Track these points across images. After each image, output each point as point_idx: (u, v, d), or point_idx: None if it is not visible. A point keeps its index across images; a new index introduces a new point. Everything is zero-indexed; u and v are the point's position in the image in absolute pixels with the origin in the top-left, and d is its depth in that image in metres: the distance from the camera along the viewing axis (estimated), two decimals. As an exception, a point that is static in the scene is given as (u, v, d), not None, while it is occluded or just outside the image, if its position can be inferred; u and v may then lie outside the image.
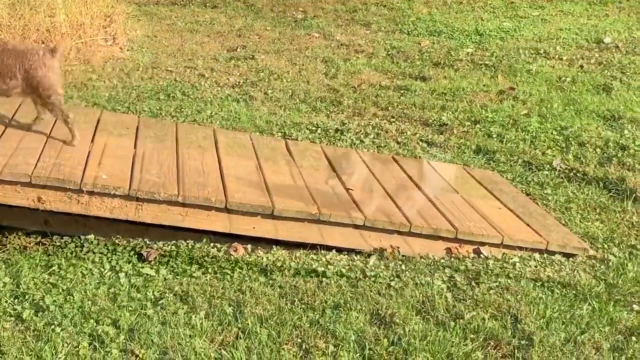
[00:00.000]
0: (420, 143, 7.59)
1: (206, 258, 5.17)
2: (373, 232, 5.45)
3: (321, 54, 10.40)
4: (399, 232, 5.47)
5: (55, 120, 5.98)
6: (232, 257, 5.22)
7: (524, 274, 5.22)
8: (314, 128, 7.78)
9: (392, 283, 4.98)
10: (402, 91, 8.94)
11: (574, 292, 5.00)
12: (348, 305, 4.65)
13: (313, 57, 10.28)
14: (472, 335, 4.39)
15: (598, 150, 7.34)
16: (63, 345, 4.06)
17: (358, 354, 4.17)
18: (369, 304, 4.68)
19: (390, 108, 8.43)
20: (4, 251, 5.12)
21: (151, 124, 6.68)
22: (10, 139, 5.58)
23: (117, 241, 5.29)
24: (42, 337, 4.12)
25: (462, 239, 5.53)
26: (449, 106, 8.43)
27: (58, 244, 5.23)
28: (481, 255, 5.51)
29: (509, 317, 4.64)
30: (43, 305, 4.45)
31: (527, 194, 6.58)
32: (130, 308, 4.49)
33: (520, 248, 5.57)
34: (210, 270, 5.03)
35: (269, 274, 5.03)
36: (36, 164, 5.17)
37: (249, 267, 5.10)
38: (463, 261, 5.39)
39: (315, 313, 4.57)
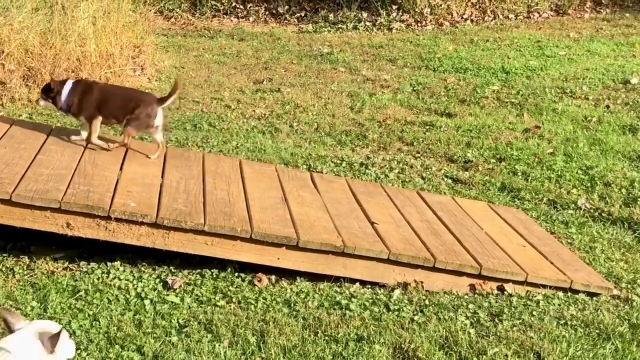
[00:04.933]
0: (446, 179, 7.61)
1: (231, 288, 5.20)
2: (397, 266, 5.45)
3: (347, 89, 10.46)
4: (423, 267, 5.47)
5: (85, 148, 6.09)
6: (256, 287, 5.25)
7: (547, 312, 5.21)
8: (339, 162, 7.82)
9: (416, 318, 4.99)
10: (427, 127, 8.97)
11: (597, 331, 4.98)
12: (371, 338, 4.67)
13: (339, 91, 10.35)
14: (495, 372, 4.39)
15: (624, 190, 7.33)
16: (88, 370, 4.09)
17: (381, 388, 4.18)
18: (392, 338, 4.68)
19: (415, 144, 8.46)
20: (32, 275, 5.17)
21: (178, 154, 6.75)
22: (41, 166, 5.66)
23: (143, 269, 5.34)
24: (68, 361, 4.16)
25: (486, 276, 5.53)
26: (475, 143, 8.45)
27: (85, 269, 5.29)
28: (505, 293, 5.50)
29: (532, 354, 4.64)
30: (70, 330, 4.49)
31: (552, 233, 6.58)
32: (155, 335, 4.53)
33: (545, 286, 5.56)
34: (234, 299, 5.06)
35: (292, 305, 5.05)
36: (66, 191, 5.23)
37: (273, 298, 5.12)
38: (487, 298, 5.39)
39: (339, 345, 4.58)
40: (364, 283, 5.43)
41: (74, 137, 6.28)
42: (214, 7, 15.36)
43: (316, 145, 8.30)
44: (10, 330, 3.42)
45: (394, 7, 14.61)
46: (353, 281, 5.42)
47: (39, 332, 3.39)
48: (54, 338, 3.36)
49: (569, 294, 5.55)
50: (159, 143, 6.34)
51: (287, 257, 5.36)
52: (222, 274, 5.35)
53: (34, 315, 4.63)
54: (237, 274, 5.37)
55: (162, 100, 6.22)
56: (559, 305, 5.37)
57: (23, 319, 3.49)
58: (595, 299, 5.52)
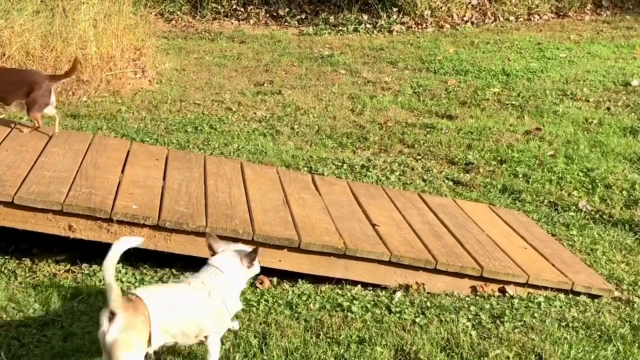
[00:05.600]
0: (446, 181, 7.62)
1: (232, 289, 5.20)
2: (399, 268, 5.46)
3: (347, 91, 10.47)
4: (425, 269, 5.48)
5: (87, 151, 6.10)
6: (258, 289, 5.26)
7: (548, 314, 5.22)
8: (340, 164, 7.82)
9: (417, 319, 4.99)
10: (428, 129, 8.98)
11: (598, 333, 4.99)
12: (373, 340, 4.67)
13: (339, 93, 10.35)
14: (497, 374, 4.40)
15: (624, 192, 7.33)
16: (91, 372, 4.10)
17: (383, 389, 4.18)
18: (393, 340, 4.69)
19: (416, 146, 8.46)
20: (34, 277, 5.18)
21: (179, 156, 6.76)
22: (42, 168, 5.67)
23: (144, 271, 5.35)
24: (70, 363, 4.17)
25: (487, 278, 5.54)
26: (475, 145, 8.45)
27: (87, 271, 5.30)
28: (506, 294, 5.51)
29: (534, 356, 4.65)
30: (71, 332, 4.50)
31: (553, 235, 6.58)
32: (157, 337, 4.52)
33: (546, 288, 5.57)
34: (236, 301, 5.06)
35: (294, 307, 5.06)
36: (68, 193, 5.24)
37: (274, 300, 5.13)
38: (488, 300, 5.40)
39: (340, 347, 4.59)
40: (365, 285, 5.43)
41: None
42: (214, 9, 15.37)
43: (317, 147, 8.31)
44: (213, 252, 4.30)
45: (394, 9, 14.62)
46: (354, 283, 5.42)
47: (237, 252, 4.28)
48: (252, 254, 4.25)
49: (570, 295, 5.55)
50: (54, 116, 6.54)
51: (289, 259, 5.36)
52: (224, 276, 5.35)
53: (35, 318, 4.64)
54: (238, 276, 5.37)
55: (53, 78, 6.60)
56: (560, 306, 5.38)
57: (223, 243, 4.36)
58: (596, 300, 5.52)
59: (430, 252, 5.59)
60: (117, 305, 3.65)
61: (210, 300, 4.05)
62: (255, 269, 4.34)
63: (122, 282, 5.17)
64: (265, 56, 12.49)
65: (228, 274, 4.17)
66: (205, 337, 4.10)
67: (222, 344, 4.37)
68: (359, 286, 5.41)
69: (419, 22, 14.49)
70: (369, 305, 5.15)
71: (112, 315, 3.64)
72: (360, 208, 6.27)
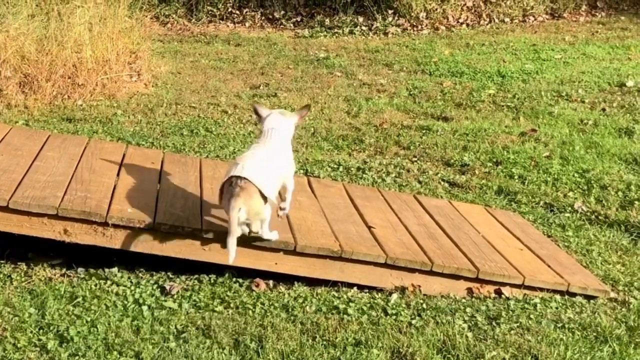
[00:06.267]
0: (442, 183, 7.62)
1: (228, 293, 5.20)
2: (394, 270, 5.46)
3: (343, 93, 10.48)
4: (421, 271, 5.48)
5: (82, 154, 6.10)
6: (254, 292, 5.26)
7: (544, 315, 5.22)
8: (335, 166, 7.83)
9: (413, 321, 4.99)
10: (424, 131, 8.99)
11: (594, 334, 4.99)
12: (369, 342, 4.68)
13: (335, 95, 10.36)
14: (493, 375, 4.40)
15: (620, 193, 7.34)
16: (86, 376, 4.10)
17: (379, 392, 4.18)
18: (390, 342, 4.69)
19: (412, 147, 8.47)
20: (29, 282, 5.17)
21: (175, 159, 6.76)
22: (38, 172, 5.67)
23: (140, 274, 5.35)
24: (66, 367, 4.17)
25: (483, 279, 5.54)
26: (471, 147, 8.46)
27: (82, 275, 5.29)
28: (502, 296, 5.51)
29: (530, 357, 4.65)
30: (67, 337, 4.50)
31: (549, 236, 6.59)
32: (153, 341, 4.54)
33: (542, 289, 5.57)
34: (232, 305, 5.06)
35: (290, 310, 5.06)
36: (63, 197, 5.24)
37: (270, 303, 5.13)
38: (484, 301, 5.40)
39: (337, 350, 4.59)
40: (361, 287, 5.43)
41: None
42: (210, 12, 15.37)
43: (313, 149, 8.31)
44: (259, 117, 5.44)
45: (390, 12, 14.64)
46: (350, 285, 5.42)
47: (282, 112, 5.55)
48: (305, 109, 5.72)
49: (566, 296, 5.56)
50: None
51: (285, 262, 5.36)
52: (220, 279, 5.35)
53: (31, 322, 4.63)
54: (234, 279, 5.37)
55: None
56: (556, 308, 5.38)
57: (267, 108, 5.63)
58: (592, 301, 5.52)
59: (426, 254, 5.59)
60: (238, 201, 4.80)
61: (285, 155, 5.35)
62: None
63: (117, 285, 5.16)
64: (261, 59, 12.49)
65: (282, 130, 5.34)
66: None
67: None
68: (355, 288, 5.41)
69: (415, 24, 14.52)
70: (365, 308, 5.15)
71: (239, 210, 4.79)
72: (356, 210, 6.28)
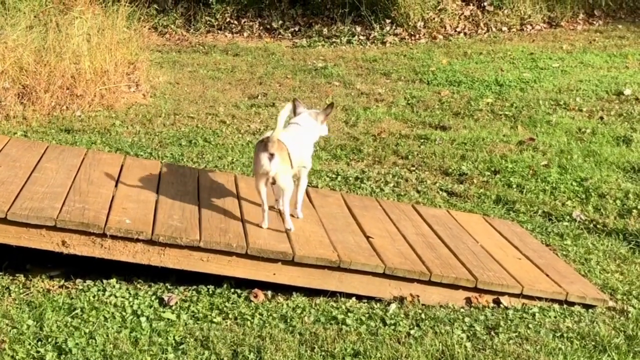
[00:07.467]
0: (440, 192, 7.63)
1: (227, 303, 5.21)
2: (393, 280, 5.46)
3: (341, 102, 10.48)
4: (419, 281, 5.48)
5: (80, 165, 6.10)
6: (252, 303, 5.26)
7: (543, 325, 5.22)
8: (334, 176, 7.83)
9: (412, 332, 4.99)
10: (422, 140, 9.00)
11: (593, 343, 4.99)
12: (368, 353, 4.67)
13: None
14: (491, 385, 4.40)
15: (618, 202, 7.35)
16: (85, 388, 4.09)
17: (378, 402, 4.18)
18: (388, 352, 4.69)
19: (410, 157, 8.48)
20: (27, 294, 5.17)
21: (173, 169, 6.76)
22: (36, 183, 5.67)
23: (138, 285, 5.35)
24: (64, 379, 4.16)
25: (481, 289, 5.54)
26: (469, 156, 8.47)
27: (81, 287, 5.29)
28: (501, 305, 5.51)
29: (529, 367, 4.65)
30: (66, 348, 4.50)
31: (547, 245, 6.59)
32: (151, 352, 4.53)
33: (540, 298, 5.57)
34: (230, 315, 5.06)
35: (289, 321, 5.05)
36: (61, 208, 5.24)
37: (269, 313, 5.13)
38: (483, 311, 5.40)
39: (335, 360, 4.59)
40: (359, 297, 5.43)
41: None
42: (208, 22, 15.40)
43: (311, 159, 8.29)
44: (295, 112, 6.00)
45: (388, 21, 14.66)
46: (349, 295, 5.42)
47: (313, 113, 6.06)
48: (328, 108, 6.18)
49: (565, 306, 5.56)
50: None
51: (283, 272, 5.36)
52: (218, 290, 5.35)
53: (29, 334, 4.63)
54: (232, 290, 5.37)
55: None
56: (555, 317, 5.38)
57: (304, 106, 6.13)
58: (590, 310, 5.52)
59: (424, 264, 5.59)
60: (273, 148, 5.33)
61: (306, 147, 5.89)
62: (325, 129, 6.20)
63: (115, 297, 5.16)
64: (259, 69, 12.51)
65: (306, 128, 5.91)
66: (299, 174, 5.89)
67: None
68: (354, 298, 5.41)
69: (412, 33, 14.53)
70: (363, 318, 5.15)
71: (272, 156, 5.35)
72: (355, 220, 6.28)
